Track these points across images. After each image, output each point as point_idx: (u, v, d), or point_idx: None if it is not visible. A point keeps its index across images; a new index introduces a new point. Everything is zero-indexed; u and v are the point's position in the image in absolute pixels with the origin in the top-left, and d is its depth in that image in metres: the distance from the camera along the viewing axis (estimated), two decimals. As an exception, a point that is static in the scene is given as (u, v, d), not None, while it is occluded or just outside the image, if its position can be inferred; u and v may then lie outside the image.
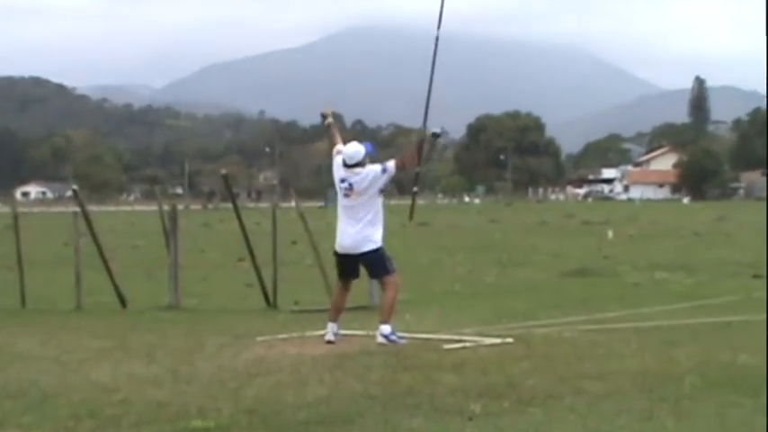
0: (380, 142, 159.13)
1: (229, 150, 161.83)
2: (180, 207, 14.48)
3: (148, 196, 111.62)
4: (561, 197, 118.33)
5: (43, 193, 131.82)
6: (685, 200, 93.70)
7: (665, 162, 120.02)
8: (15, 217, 13.41)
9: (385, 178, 8.02)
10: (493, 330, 8.72)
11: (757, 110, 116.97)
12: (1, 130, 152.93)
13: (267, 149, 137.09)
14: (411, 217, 9.02)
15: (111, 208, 78.74)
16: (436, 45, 8.33)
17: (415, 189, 8.73)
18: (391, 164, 8.08)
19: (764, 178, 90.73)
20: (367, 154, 8.11)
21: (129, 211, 72.00)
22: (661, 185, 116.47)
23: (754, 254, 17.74)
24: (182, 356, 7.60)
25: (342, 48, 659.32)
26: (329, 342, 8.04)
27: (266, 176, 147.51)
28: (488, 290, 13.80)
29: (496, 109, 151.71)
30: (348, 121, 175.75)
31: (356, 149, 8.08)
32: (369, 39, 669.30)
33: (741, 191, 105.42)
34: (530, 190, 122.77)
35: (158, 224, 13.62)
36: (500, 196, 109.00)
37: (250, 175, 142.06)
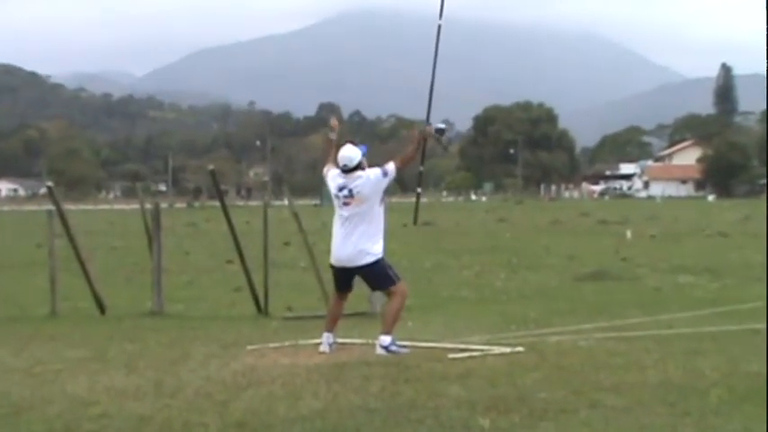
0: (380, 135, 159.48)
1: (217, 144, 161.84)
2: (163, 205, 14.46)
3: (129, 194, 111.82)
4: (576, 194, 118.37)
5: (15, 190, 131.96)
6: (710, 197, 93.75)
7: (688, 156, 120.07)
8: (-15, 216, 13.40)
9: (386, 182, 8.04)
10: (502, 339, 8.72)
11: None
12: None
13: (258, 143, 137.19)
14: (416, 220, 9.02)
15: (89, 206, 78.80)
16: (438, 35, 8.34)
17: (418, 190, 8.74)
18: (391, 166, 8.08)
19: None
20: (364, 155, 8.15)
21: (109, 210, 72.03)
22: (684, 182, 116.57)
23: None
24: (165, 367, 7.60)
25: (339, 33, 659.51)
26: (323, 353, 8.05)
27: (257, 172, 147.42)
28: (497, 295, 13.80)
29: (505, 99, 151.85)
30: (346, 113, 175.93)
31: (354, 151, 8.10)
32: (368, 23, 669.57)
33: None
34: (541, 187, 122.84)
35: (140, 224, 13.61)
36: (509, 194, 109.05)
37: (239, 170, 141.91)
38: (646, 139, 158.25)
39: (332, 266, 8.22)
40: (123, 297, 13.55)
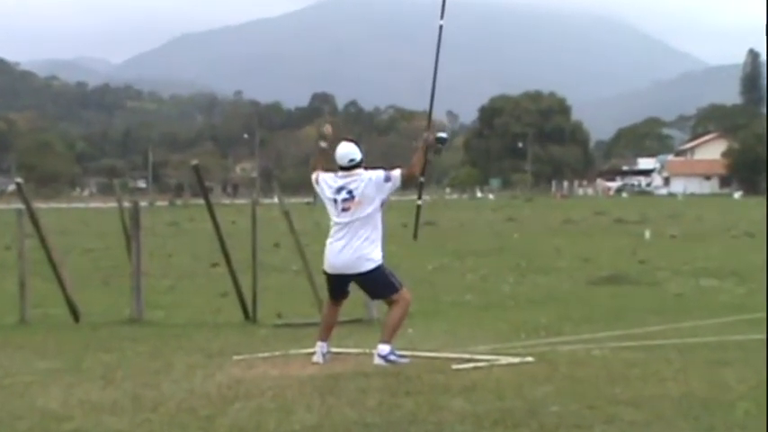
0: (378, 127, 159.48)
1: (201, 137, 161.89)
2: (143, 203, 14.47)
3: (106, 191, 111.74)
4: (590, 191, 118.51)
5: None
6: (736, 194, 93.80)
7: (712, 150, 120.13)
8: (-51, 215, 13.40)
9: (389, 188, 7.97)
10: (510, 348, 8.73)
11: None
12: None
13: (245, 136, 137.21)
14: (415, 235, 9.00)
15: (62, 205, 78.78)
16: (440, 37, 8.37)
17: (419, 202, 8.71)
18: (396, 173, 7.99)
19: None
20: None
21: (84, 209, 72.02)
22: (708, 178, 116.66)
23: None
24: (145, 379, 7.60)
25: (334, 17, 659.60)
26: (316, 363, 8.06)
27: (244, 168, 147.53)
28: (504, 300, 13.81)
29: (514, 89, 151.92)
30: (341, 103, 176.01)
31: (351, 148, 8.04)
32: (365, 6, 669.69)
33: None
34: (553, 183, 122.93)
35: (117, 224, 13.62)
36: (518, 191, 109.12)
37: (225, 165, 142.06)
38: (666, 131, 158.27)
39: (326, 273, 8.20)
40: (99, 303, 13.55)
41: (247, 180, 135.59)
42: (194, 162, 12.83)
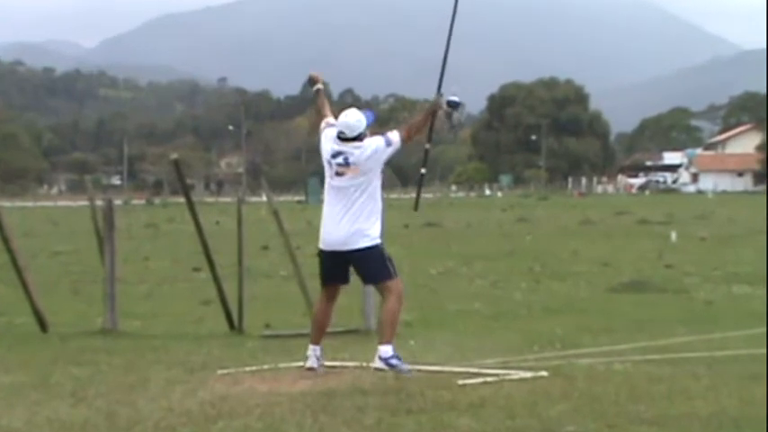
0: (378, 118, 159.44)
1: (182, 128, 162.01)
2: (118, 202, 14.49)
3: (76, 188, 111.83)
4: (610, 189, 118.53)
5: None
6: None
7: (745, 143, 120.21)
8: None
9: (389, 152, 8.12)
10: (522, 361, 8.74)
11: None
12: None
13: (230, 127, 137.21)
14: (416, 206, 9.03)
15: (28, 203, 78.83)
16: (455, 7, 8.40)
17: (422, 171, 8.73)
18: (395, 135, 8.16)
19: None
20: (368, 126, 8.21)
21: (52, 208, 72.04)
22: (740, 174, 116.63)
23: None
24: (119, 396, 7.60)
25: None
26: (311, 369, 8.07)
27: (229, 162, 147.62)
28: (516, 309, 13.80)
29: (526, 75, 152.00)
30: (336, 91, 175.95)
31: (358, 119, 8.16)
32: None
33: None
34: (569, 180, 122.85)
35: (89, 224, 13.59)
36: (531, 188, 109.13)
37: (208, 160, 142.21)
38: (694, 122, 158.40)
39: (320, 253, 8.22)
40: (69, 312, 13.53)
41: (233, 176, 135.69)
42: (174, 156, 12.82)
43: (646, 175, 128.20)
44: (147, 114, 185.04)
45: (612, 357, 8.98)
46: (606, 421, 6.31)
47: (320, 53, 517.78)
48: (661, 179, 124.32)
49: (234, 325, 11.75)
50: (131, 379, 8.36)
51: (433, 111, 8.31)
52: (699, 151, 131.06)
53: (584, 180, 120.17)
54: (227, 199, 78.47)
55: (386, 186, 8.32)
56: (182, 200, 12.77)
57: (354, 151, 8.03)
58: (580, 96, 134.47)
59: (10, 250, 12.10)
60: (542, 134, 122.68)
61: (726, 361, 8.77)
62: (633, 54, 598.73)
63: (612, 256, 22.31)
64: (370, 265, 8.06)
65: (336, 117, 8.38)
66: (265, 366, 8.69)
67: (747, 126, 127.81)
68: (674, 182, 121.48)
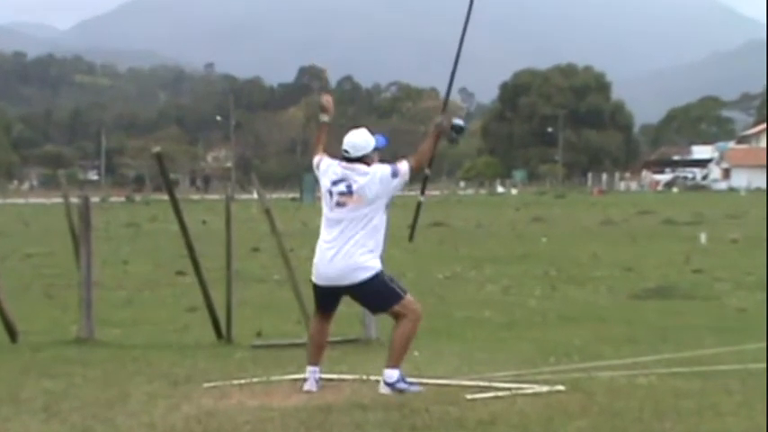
0: (379, 108, 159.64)
1: (165, 119, 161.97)
2: (94, 199, 14.49)
3: (50, 184, 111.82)
4: (634, 186, 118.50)
5: None
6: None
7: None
8: None
9: (395, 184, 8.03)
10: (537, 374, 8.74)
11: None
12: None
13: (218, 118, 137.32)
14: (411, 237, 9.04)
15: (-3, 200, 78.82)
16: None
17: (420, 198, 8.75)
18: (404, 166, 8.07)
19: None
20: (377, 149, 8.17)
21: (23, 205, 72.05)
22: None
23: None
24: (96, 411, 7.61)
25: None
26: (309, 392, 8.06)
27: (217, 156, 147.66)
28: (531, 317, 13.81)
29: (542, 62, 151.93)
30: (333, 79, 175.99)
31: (365, 139, 8.13)
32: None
33: None
34: (589, 176, 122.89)
35: (63, 224, 13.60)
36: (547, 185, 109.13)
37: (194, 153, 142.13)
38: (726, 113, 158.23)
39: (314, 285, 8.21)
40: (42, 319, 13.54)
41: (221, 171, 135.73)
42: (156, 149, 12.82)
43: (673, 171, 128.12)
44: (127, 103, 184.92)
45: (636, 370, 8.98)
46: (629, 440, 6.31)
47: (317, 37, 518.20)
48: (689, 175, 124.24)
49: (221, 334, 11.75)
50: (109, 393, 8.36)
51: (438, 134, 8.27)
52: (731, 145, 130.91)
53: (604, 176, 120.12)
54: (215, 196, 78.47)
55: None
56: (165, 197, 12.79)
57: (359, 179, 7.95)
58: (601, 84, 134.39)
59: (-23, 252, 12.11)
60: (559, 126, 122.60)
61: (760, 374, 8.76)
62: (658, 39, 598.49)
63: (636, 259, 22.31)
64: (374, 296, 8.06)
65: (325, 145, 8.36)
66: (255, 379, 8.70)
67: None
68: (704, 178, 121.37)
